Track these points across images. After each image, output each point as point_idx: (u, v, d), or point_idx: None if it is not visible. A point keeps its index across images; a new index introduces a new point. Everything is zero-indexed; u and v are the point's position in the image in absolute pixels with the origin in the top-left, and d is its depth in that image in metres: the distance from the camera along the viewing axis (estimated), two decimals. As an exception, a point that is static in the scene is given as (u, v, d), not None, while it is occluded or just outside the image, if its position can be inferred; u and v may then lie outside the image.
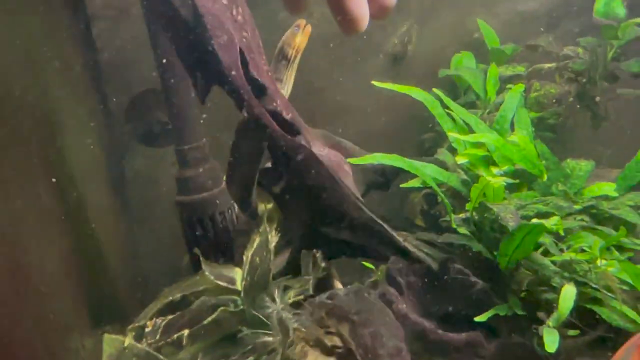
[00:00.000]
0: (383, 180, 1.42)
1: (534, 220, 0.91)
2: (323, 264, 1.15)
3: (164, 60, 1.41)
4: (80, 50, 1.53)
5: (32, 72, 1.15)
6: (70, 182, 1.26)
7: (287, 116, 1.16)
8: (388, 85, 1.29)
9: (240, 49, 1.06)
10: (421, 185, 1.26)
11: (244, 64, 1.07)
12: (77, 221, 1.23)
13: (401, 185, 1.30)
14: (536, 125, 1.33)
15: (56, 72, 1.28)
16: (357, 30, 0.44)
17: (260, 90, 1.11)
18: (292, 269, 1.23)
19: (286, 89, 1.35)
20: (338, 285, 1.34)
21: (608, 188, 1.10)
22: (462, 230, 1.15)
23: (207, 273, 1.22)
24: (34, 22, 1.18)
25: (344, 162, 1.23)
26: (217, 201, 1.42)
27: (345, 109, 1.68)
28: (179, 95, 1.43)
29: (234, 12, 1.08)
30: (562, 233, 0.96)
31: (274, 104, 1.13)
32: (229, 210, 1.45)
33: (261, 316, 1.03)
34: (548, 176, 1.17)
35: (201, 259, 1.25)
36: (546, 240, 0.98)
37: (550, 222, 0.89)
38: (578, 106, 1.30)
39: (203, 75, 1.07)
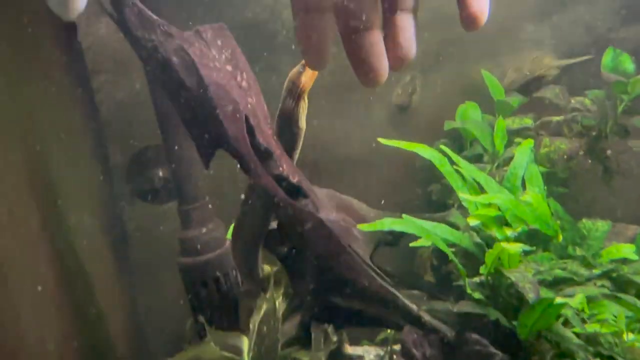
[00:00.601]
0: (391, 237, 1.38)
1: (558, 300, 0.87)
2: (335, 338, 1.10)
3: (165, 116, 1.39)
4: (79, 104, 1.52)
5: (32, 133, 1.13)
6: (69, 248, 1.22)
7: (294, 180, 1.13)
8: (394, 143, 1.26)
9: (246, 116, 1.04)
10: (430, 245, 1.22)
11: (250, 131, 1.05)
12: (77, 294, 1.19)
13: (410, 245, 1.26)
14: (547, 180, 1.30)
15: (55, 132, 1.26)
16: (378, 83, 0.44)
17: (266, 155, 1.09)
18: (302, 337, 1.18)
19: (300, 126, 1.26)
20: (348, 349, 1.29)
21: (628, 250, 1.07)
22: (477, 294, 1.11)
23: (212, 343, 1.17)
24: (32, 83, 1.16)
25: (353, 225, 1.19)
26: (221, 262, 1.38)
27: (350, 161, 1.65)
28: (180, 153, 1.40)
29: (239, 78, 1.06)
30: (587, 311, 0.92)
31: (280, 169, 1.10)
32: (234, 271, 1.40)
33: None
34: (563, 237, 1.14)
35: (206, 327, 1.20)
36: (567, 312, 0.94)
37: (575, 301, 0.85)
38: (589, 161, 1.28)
39: (208, 142, 1.04)
